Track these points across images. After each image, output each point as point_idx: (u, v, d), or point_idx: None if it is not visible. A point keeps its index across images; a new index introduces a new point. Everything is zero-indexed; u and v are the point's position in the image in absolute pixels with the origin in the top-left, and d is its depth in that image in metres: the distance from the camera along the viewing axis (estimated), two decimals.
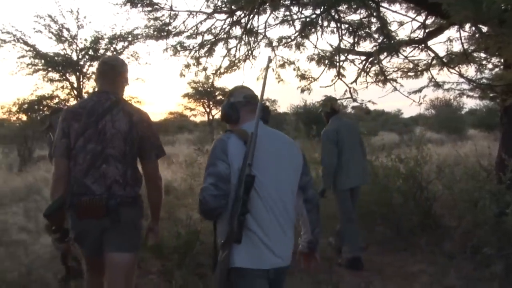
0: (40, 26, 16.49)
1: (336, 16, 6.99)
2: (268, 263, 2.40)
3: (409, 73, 7.76)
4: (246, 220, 2.29)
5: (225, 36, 7.68)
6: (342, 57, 7.22)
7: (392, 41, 6.68)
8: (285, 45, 7.56)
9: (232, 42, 7.82)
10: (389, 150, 8.13)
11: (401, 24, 7.53)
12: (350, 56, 7.45)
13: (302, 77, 7.65)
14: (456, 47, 7.73)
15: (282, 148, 2.56)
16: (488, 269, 4.93)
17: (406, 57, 7.37)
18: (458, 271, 5.03)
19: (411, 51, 7.42)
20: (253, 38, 7.67)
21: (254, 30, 7.49)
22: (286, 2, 6.99)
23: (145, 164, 3.15)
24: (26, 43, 16.41)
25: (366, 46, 7.48)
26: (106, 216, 2.94)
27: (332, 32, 7.28)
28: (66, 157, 3.01)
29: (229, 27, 7.53)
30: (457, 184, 6.64)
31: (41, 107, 17.48)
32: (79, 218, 2.95)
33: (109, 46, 17.55)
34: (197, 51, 7.81)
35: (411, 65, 7.66)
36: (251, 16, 7.27)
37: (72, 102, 17.08)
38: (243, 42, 7.72)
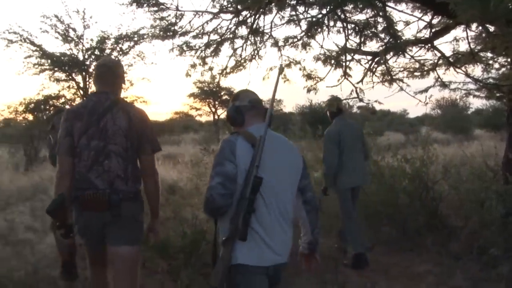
0: (47, 26, 16.54)
1: (342, 16, 6.97)
2: (269, 260, 2.50)
3: (415, 73, 7.73)
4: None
5: (231, 36, 7.67)
6: (349, 57, 7.21)
7: (398, 41, 6.65)
8: (291, 45, 7.55)
9: (238, 42, 7.82)
10: (395, 150, 8.11)
11: (407, 23, 7.50)
12: (357, 56, 7.43)
13: (309, 77, 7.64)
14: (463, 46, 7.73)
15: (284, 151, 2.68)
16: (495, 270, 4.92)
17: (412, 57, 7.35)
18: (464, 272, 5.01)
19: (417, 50, 7.39)
20: (259, 38, 7.66)
21: (260, 30, 7.49)
22: (292, 2, 6.97)
23: (142, 158, 3.26)
24: (32, 43, 16.45)
25: (373, 46, 7.44)
26: (108, 210, 3.08)
27: (338, 32, 7.26)
28: (70, 155, 3.13)
29: (235, 27, 7.52)
30: (464, 185, 6.63)
31: (48, 107, 17.51)
32: (82, 209, 3.11)
33: (115, 46, 17.57)
34: (203, 51, 7.80)
35: (417, 65, 7.64)
36: (257, 16, 7.26)
37: (79, 101, 17.10)
38: (249, 42, 7.71)
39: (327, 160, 5.74)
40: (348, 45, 7.10)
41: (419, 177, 6.82)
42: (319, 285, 4.84)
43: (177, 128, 36.70)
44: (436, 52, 7.33)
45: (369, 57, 7.45)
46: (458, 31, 7.23)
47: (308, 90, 7.59)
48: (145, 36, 16.30)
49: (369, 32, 7.05)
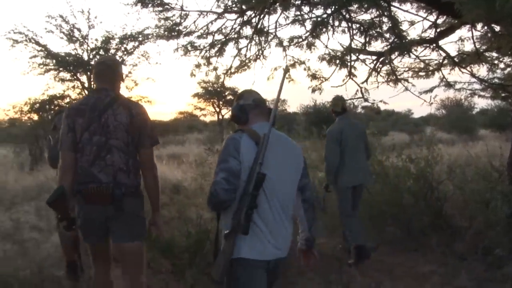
0: (52, 26, 16.53)
1: (347, 16, 6.98)
2: (270, 255, 2.58)
3: (420, 73, 7.74)
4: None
5: (235, 36, 7.68)
6: (353, 57, 7.22)
7: (403, 41, 6.65)
8: (296, 45, 7.56)
9: (243, 42, 7.83)
10: (400, 150, 8.10)
11: (412, 23, 7.49)
12: (361, 56, 7.45)
13: (313, 77, 7.65)
14: (468, 46, 7.69)
15: (287, 150, 2.76)
16: (500, 271, 4.91)
17: (417, 57, 7.35)
18: (469, 272, 4.99)
19: (422, 50, 7.39)
20: (263, 38, 7.67)
21: (265, 30, 7.49)
22: (297, 2, 6.97)
23: (141, 152, 3.35)
24: (37, 43, 16.47)
25: (377, 45, 7.45)
26: (111, 204, 3.19)
27: (343, 31, 7.27)
28: (72, 150, 3.24)
29: (239, 27, 7.54)
30: (468, 185, 6.61)
31: (52, 107, 17.54)
32: (86, 202, 3.21)
33: (119, 46, 17.55)
34: (208, 51, 7.82)
35: (422, 65, 7.64)
36: (262, 16, 7.27)
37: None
38: (253, 42, 7.72)
39: (328, 159, 5.81)
40: (353, 45, 7.12)
41: (423, 177, 6.80)
42: (323, 285, 4.84)
43: (182, 128, 36.75)
44: (441, 52, 7.33)
45: (374, 57, 7.45)
46: (463, 31, 7.23)
47: (313, 90, 7.61)
48: (149, 36, 16.36)
49: (374, 32, 7.06)
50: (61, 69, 17.32)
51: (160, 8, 7.20)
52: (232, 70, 8.14)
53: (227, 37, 7.65)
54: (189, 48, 7.73)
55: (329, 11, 6.85)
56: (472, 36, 6.74)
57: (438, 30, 7.33)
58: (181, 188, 9.55)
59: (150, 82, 24.83)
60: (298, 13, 7.14)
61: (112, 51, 17.41)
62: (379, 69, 7.47)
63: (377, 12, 6.87)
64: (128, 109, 3.31)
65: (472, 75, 7.16)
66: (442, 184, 6.88)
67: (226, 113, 34.68)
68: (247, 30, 7.65)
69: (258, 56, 7.88)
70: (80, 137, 3.22)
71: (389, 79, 7.62)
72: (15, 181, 11.05)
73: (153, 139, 3.40)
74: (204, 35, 7.62)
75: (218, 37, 7.68)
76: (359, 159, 5.82)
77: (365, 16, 7.18)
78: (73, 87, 17.87)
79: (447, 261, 5.40)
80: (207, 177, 8.65)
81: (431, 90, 7.44)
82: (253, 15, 7.31)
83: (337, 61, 7.25)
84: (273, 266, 2.63)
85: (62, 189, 3.14)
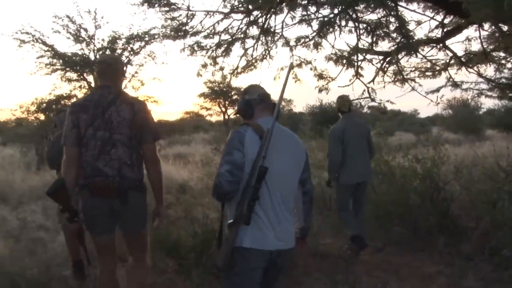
0: (58, 27, 16.54)
1: (354, 16, 6.97)
2: (271, 245, 2.65)
3: (427, 73, 7.72)
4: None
5: (242, 36, 7.70)
6: (360, 57, 7.22)
7: (410, 41, 6.64)
8: (303, 44, 7.56)
9: (249, 42, 7.85)
10: (406, 150, 8.08)
11: (419, 23, 7.48)
12: (368, 56, 7.45)
13: (320, 76, 7.66)
14: (475, 46, 7.67)
15: (290, 144, 2.84)
16: (507, 271, 4.89)
17: (424, 57, 7.34)
18: (476, 273, 4.98)
19: (429, 50, 7.38)
20: (270, 38, 7.68)
21: (271, 30, 7.50)
22: (304, 2, 6.98)
23: (144, 147, 3.47)
24: (44, 43, 16.49)
25: (384, 45, 7.45)
26: (117, 197, 3.31)
27: (350, 31, 7.27)
28: (76, 145, 3.34)
29: (246, 27, 7.54)
30: (475, 185, 6.58)
31: (59, 107, 17.58)
32: (92, 195, 3.31)
33: (126, 46, 17.54)
34: (214, 51, 7.84)
35: (429, 65, 7.63)
36: (268, 15, 7.27)
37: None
38: (260, 42, 7.73)
39: (330, 156, 5.92)
40: (360, 45, 7.12)
41: (430, 177, 6.78)
42: (329, 285, 4.83)
43: (188, 128, 36.73)
44: (448, 52, 7.32)
45: (381, 57, 7.44)
46: (470, 31, 7.22)
47: (320, 90, 7.62)
48: (156, 36, 16.35)
49: (381, 31, 7.05)
50: (67, 69, 17.34)
51: (166, 8, 7.22)
52: (239, 70, 8.16)
53: (233, 37, 7.67)
54: (196, 48, 7.75)
55: (336, 11, 6.85)
56: (479, 36, 6.72)
57: (445, 29, 7.32)
58: (187, 188, 9.56)
59: (157, 82, 24.75)
60: (304, 13, 7.15)
61: (119, 51, 17.41)
62: (386, 69, 7.46)
63: (384, 12, 6.86)
64: (130, 105, 3.43)
65: (479, 75, 7.14)
66: (449, 184, 6.86)
67: (232, 113, 34.70)
68: (254, 30, 7.68)
69: (265, 56, 7.89)
70: (85, 133, 3.33)
71: (395, 79, 7.62)
72: (22, 181, 11.07)
73: (155, 135, 3.51)
74: (211, 35, 7.64)
75: (225, 37, 7.71)
76: (361, 158, 5.92)
77: (372, 16, 7.18)
78: (80, 87, 17.87)
79: (454, 261, 5.38)
80: (213, 177, 8.64)
81: (437, 90, 7.43)
82: (260, 15, 7.32)
83: (344, 61, 7.25)
84: (276, 257, 2.68)
85: (62, 180, 3.25)
